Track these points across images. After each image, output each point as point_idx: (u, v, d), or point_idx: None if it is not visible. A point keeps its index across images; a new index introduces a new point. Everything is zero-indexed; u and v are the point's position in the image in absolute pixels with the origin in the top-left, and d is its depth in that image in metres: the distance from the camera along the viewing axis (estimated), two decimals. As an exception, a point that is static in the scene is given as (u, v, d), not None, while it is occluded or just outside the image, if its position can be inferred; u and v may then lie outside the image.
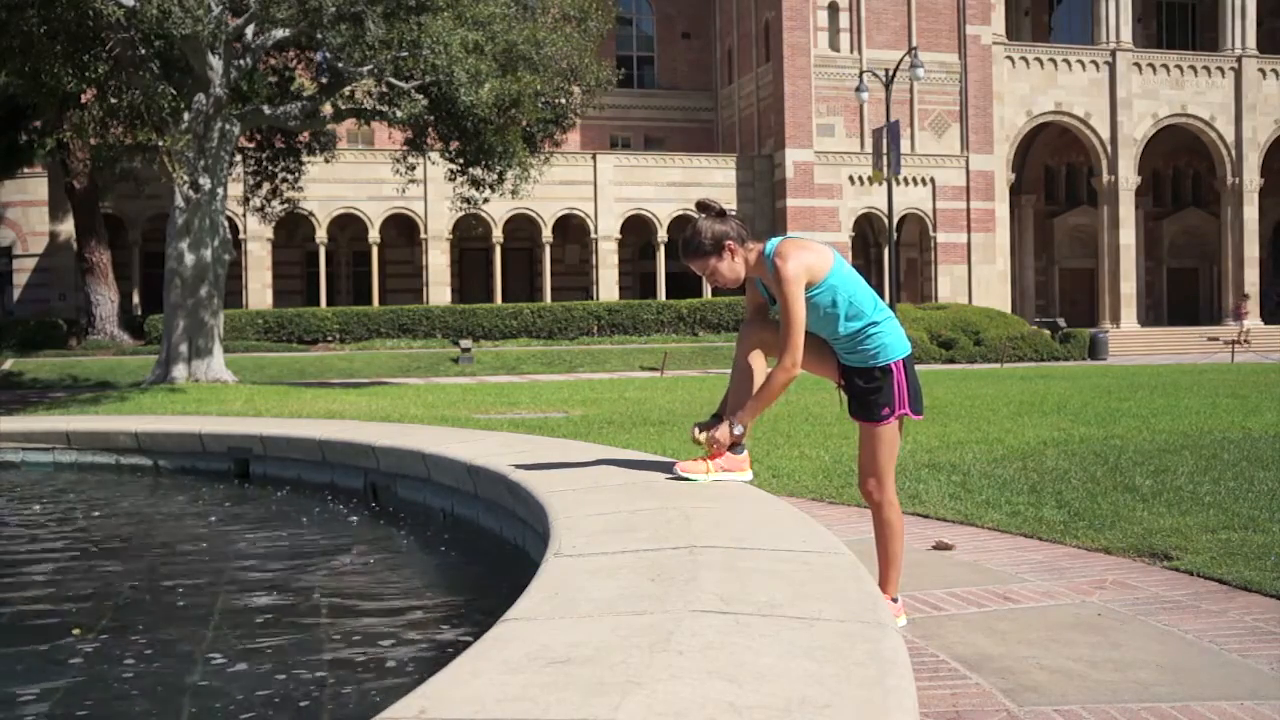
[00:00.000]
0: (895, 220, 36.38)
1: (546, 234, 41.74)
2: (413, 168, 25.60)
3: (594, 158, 42.45)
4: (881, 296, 40.98)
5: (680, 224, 42.70)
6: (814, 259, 3.89)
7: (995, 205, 44.39)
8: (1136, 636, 3.74)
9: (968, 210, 43.89)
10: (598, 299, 41.05)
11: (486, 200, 25.46)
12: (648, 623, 2.40)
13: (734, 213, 4.14)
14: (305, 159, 26.98)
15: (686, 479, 4.33)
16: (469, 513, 5.73)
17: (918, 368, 4.10)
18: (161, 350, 21.61)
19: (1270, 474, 7.09)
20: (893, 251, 35.15)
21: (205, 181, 20.43)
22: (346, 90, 22.69)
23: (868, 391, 3.96)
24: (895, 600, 3.98)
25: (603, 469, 4.91)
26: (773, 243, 3.98)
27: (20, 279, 39.67)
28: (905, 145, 41.62)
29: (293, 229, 40.15)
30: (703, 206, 4.12)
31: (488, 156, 22.44)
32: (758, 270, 4.03)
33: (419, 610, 4.48)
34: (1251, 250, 47.39)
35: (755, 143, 45.31)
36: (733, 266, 4.01)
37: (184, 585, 5.11)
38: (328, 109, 22.80)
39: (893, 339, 3.96)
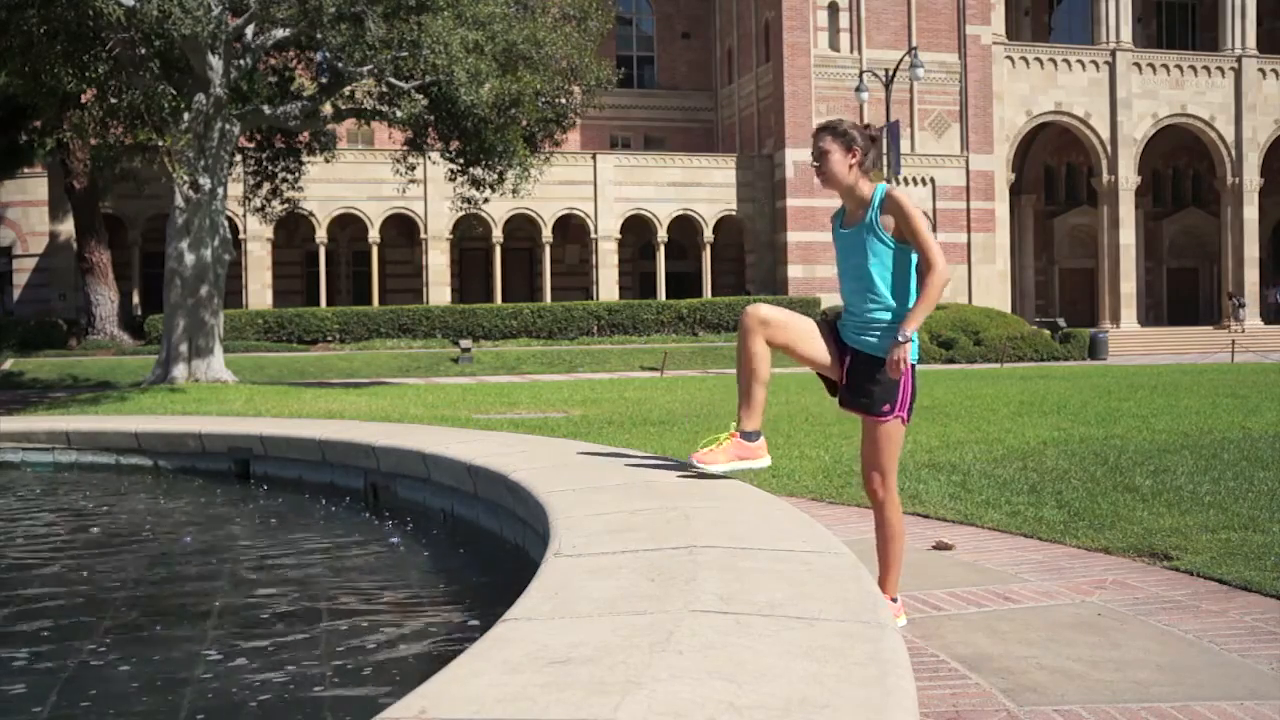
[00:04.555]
0: (895, 220, 36.34)
1: (546, 234, 41.73)
2: (413, 168, 25.59)
3: (594, 158, 42.43)
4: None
5: (680, 223, 42.69)
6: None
7: (995, 205, 44.38)
8: (1136, 636, 3.74)
9: (968, 210, 43.86)
10: (598, 299, 41.03)
11: (487, 200, 25.45)
12: (648, 623, 2.40)
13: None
14: (305, 159, 26.95)
15: (704, 470, 4.30)
16: (469, 513, 5.73)
17: (917, 367, 4.11)
18: (161, 350, 21.61)
19: (1270, 474, 7.09)
20: (893, 251, 35.07)
21: (205, 181, 20.43)
22: (346, 90, 22.68)
23: (873, 381, 3.96)
24: (895, 600, 3.98)
25: (603, 469, 4.91)
26: (883, 186, 4.01)
27: (20, 279, 39.66)
28: (905, 145, 41.61)
29: (293, 229, 40.14)
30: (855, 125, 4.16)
31: (488, 156, 22.42)
32: (855, 199, 4.04)
33: (418, 610, 4.48)
34: (1251, 250, 47.38)
35: (755, 143, 45.30)
36: (844, 166, 4.01)
37: (183, 585, 5.11)
38: (328, 109, 22.79)
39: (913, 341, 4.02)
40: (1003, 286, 44.53)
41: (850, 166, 4.00)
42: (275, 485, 7.66)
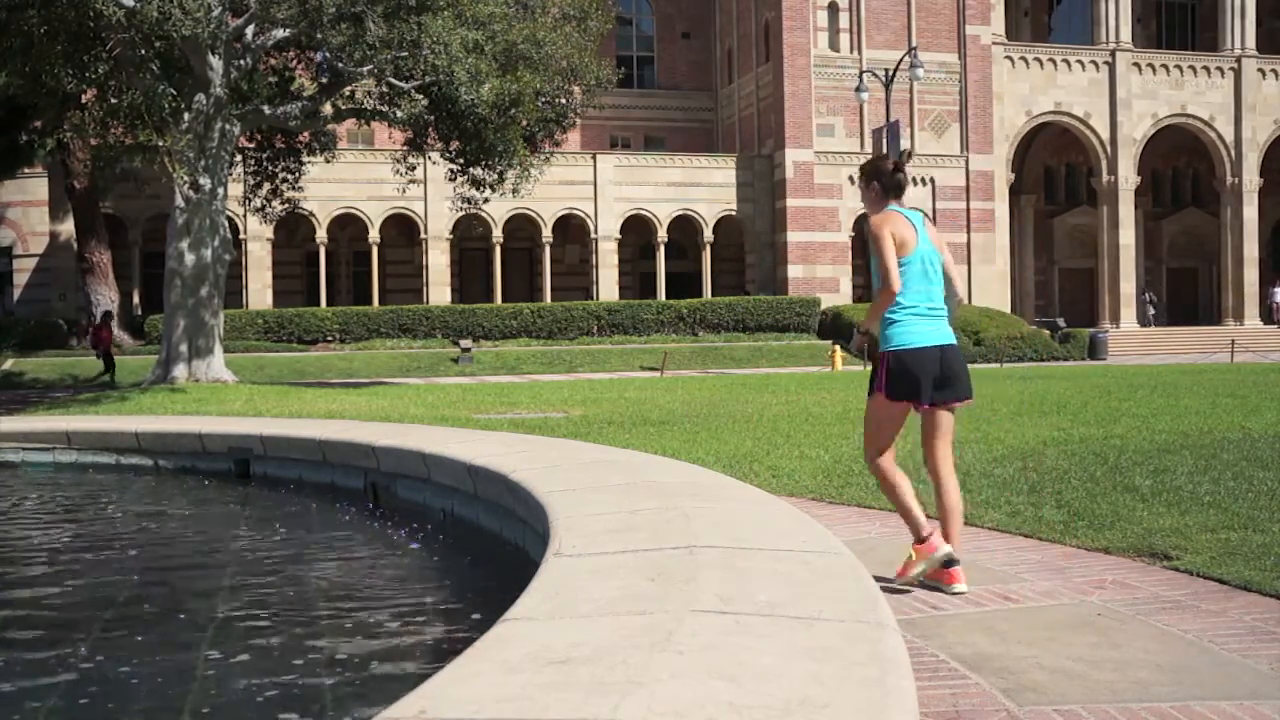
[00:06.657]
0: (895, 220, 36.35)
1: (546, 234, 41.71)
2: (413, 168, 25.57)
3: (594, 158, 42.40)
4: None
5: (680, 224, 42.66)
6: (894, 226, 4.57)
7: (995, 205, 44.36)
8: (1136, 636, 3.74)
9: (967, 210, 43.85)
10: (598, 299, 41.01)
11: (487, 200, 25.44)
12: (648, 623, 2.40)
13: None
14: (305, 159, 26.93)
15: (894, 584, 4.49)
16: (469, 513, 5.73)
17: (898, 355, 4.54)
18: (162, 350, 21.60)
19: (1270, 474, 7.09)
20: (893, 251, 35.04)
21: (205, 181, 20.42)
22: (346, 90, 22.66)
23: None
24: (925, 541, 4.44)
25: (602, 469, 4.91)
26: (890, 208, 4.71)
27: (20, 279, 39.64)
28: (905, 145, 41.58)
29: (293, 229, 40.12)
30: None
31: (488, 156, 22.40)
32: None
33: (419, 610, 4.48)
34: (1251, 250, 47.34)
35: (755, 143, 45.28)
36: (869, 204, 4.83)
37: (186, 584, 5.11)
38: (328, 109, 22.77)
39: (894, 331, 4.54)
40: (1002, 286, 44.51)
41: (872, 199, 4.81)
42: (275, 485, 7.66)
